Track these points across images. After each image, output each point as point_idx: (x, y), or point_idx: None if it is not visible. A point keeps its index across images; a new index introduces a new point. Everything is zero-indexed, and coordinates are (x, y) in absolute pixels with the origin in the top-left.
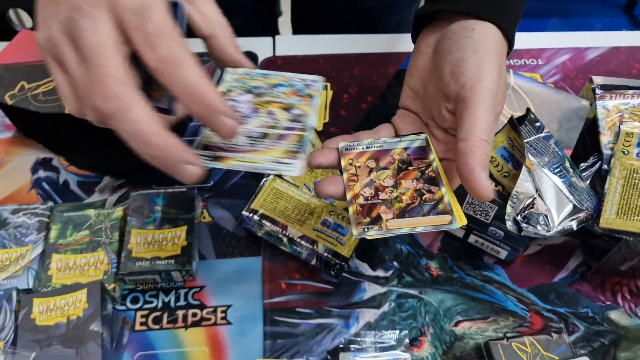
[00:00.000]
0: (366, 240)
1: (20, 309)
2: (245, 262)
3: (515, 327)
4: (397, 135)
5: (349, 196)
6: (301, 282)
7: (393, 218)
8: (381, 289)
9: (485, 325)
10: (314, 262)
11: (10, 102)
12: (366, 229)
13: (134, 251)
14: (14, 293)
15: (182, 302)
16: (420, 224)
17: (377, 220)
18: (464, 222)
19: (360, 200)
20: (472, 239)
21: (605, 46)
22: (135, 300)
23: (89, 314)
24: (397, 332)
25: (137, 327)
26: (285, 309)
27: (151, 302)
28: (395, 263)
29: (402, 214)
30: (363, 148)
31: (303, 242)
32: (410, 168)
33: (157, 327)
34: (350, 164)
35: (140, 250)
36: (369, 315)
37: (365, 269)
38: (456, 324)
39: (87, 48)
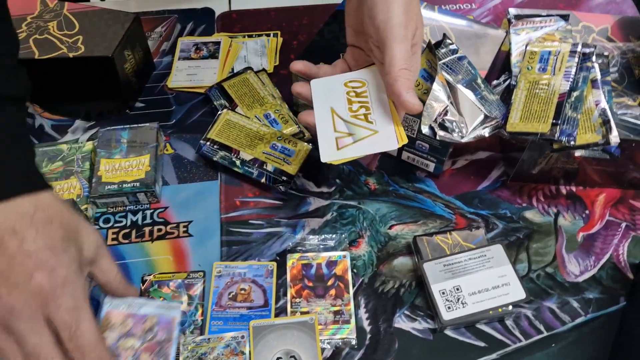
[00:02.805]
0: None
1: None
2: (204, 185)
3: (441, 227)
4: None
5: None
6: (254, 199)
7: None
8: (324, 202)
9: (416, 227)
10: (263, 180)
11: None
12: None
13: (104, 177)
14: None
15: (148, 221)
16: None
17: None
18: (405, 141)
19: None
20: (404, 155)
21: None
22: (107, 221)
23: None
24: (338, 235)
25: (109, 242)
26: (240, 221)
27: (121, 222)
28: (337, 180)
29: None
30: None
31: (254, 164)
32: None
33: (126, 241)
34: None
35: (109, 176)
36: (313, 223)
37: (311, 186)
38: (390, 227)
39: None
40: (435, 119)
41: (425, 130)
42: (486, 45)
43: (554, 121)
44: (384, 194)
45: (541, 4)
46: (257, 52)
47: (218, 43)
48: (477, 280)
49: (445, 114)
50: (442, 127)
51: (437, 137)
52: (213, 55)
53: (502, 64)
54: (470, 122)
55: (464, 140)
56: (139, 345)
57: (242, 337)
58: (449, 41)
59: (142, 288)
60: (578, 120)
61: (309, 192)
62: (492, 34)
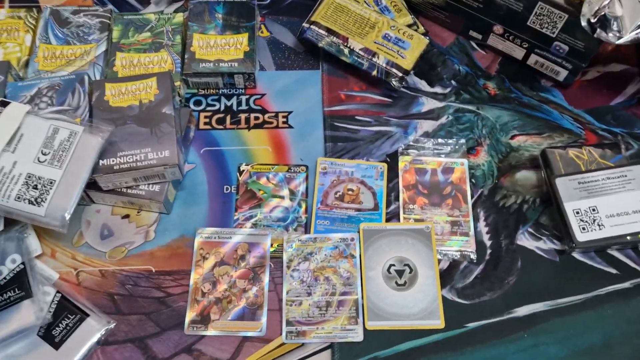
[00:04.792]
0: (424, 58)
1: (93, 92)
2: (304, 74)
3: (569, 143)
4: None
5: None
6: (360, 94)
7: None
8: (439, 104)
9: (541, 140)
10: (374, 72)
11: None
12: None
13: (197, 53)
14: (86, 77)
15: (244, 107)
16: None
17: None
18: None
19: None
20: (531, 59)
21: None
22: (198, 103)
23: (160, 99)
24: (455, 140)
25: (202, 126)
26: (345, 116)
27: (214, 105)
28: (453, 82)
29: None
30: None
31: (364, 54)
32: None
33: (220, 127)
34: None
35: (203, 53)
36: (427, 125)
37: (423, 85)
38: (512, 137)
39: None
40: (596, 12)
41: (584, 24)
42: None
43: None
44: (504, 100)
45: None
46: None
47: None
48: (616, 202)
49: (608, 8)
50: (600, 22)
51: (595, 35)
52: None
53: None
54: (631, 22)
55: (620, 41)
56: (234, 272)
57: (352, 239)
58: None
59: (240, 178)
60: None
61: (421, 91)
62: None
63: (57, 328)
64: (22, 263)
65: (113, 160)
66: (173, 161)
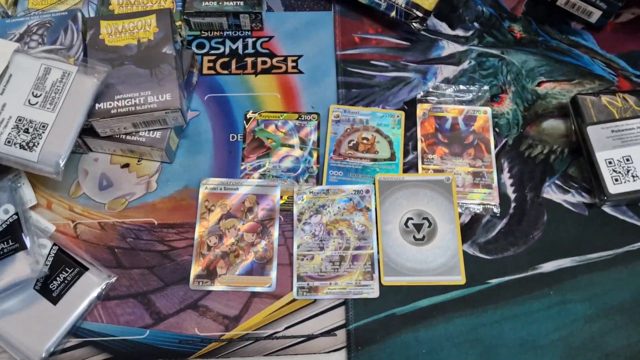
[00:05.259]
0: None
1: (87, 30)
2: (315, 15)
3: (601, 90)
4: None
5: None
6: (376, 37)
7: None
8: (460, 47)
9: (570, 87)
10: (393, 14)
11: None
12: None
13: None
14: (79, 14)
15: (250, 50)
16: None
17: None
18: None
19: None
20: None
21: None
22: (201, 46)
23: (160, 38)
24: (477, 87)
25: (205, 71)
26: (360, 61)
27: (218, 49)
28: (476, 24)
29: None
30: None
31: None
32: None
33: (225, 72)
34: None
35: None
36: (447, 71)
37: (444, 27)
38: (539, 84)
39: None
40: None
41: None
42: None
43: None
44: (531, 44)
45: None
46: None
47: None
48: None
49: None
50: None
51: None
52: None
53: None
54: None
55: None
56: (241, 225)
57: (367, 191)
58: None
59: (247, 126)
60: None
61: (441, 34)
62: None
63: (54, 282)
64: (16, 213)
65: (110, 104)
66: (175, 105)
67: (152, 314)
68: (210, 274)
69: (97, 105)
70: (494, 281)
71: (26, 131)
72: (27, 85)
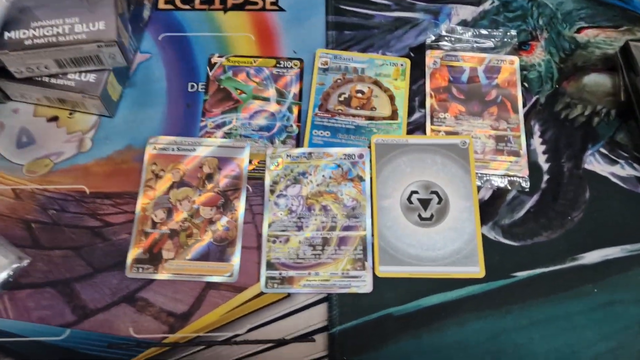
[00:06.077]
0: None
1: None
2: None
3: None
4: None
5: None
6: None
7: None
8: None
9: (617, 35)
10: None
11: None
12: None
13: None
14: None
15: None
16: None
17: None
18: None
19: None
20: None
21: None
22: None
23: None
24: (502, 32)
25: (161, 5)
26: None
27: None
28: None
29: None
30: None
31: None
32: None
33: (186, 7)
34: None
35: None
36: (464, 12)
37: None
38: (578, 31)
39: None
40: None
41: None
42: None
43: None
44: None
45: None
46: None
47: None
48: None
49: None
50: None
51: None
52: None
53: None
54: None
55: None
56: (197, 197)
57: (361, 156)
58: None
59: (211, 73)
60: None
61: None
62: None
63: None
64: None
65: (24, 33)
66: (109, 36)
67: (75, 309)
68: (153, 258)
69: (6, 34)
70: (521, 274)
71: None
72: None
